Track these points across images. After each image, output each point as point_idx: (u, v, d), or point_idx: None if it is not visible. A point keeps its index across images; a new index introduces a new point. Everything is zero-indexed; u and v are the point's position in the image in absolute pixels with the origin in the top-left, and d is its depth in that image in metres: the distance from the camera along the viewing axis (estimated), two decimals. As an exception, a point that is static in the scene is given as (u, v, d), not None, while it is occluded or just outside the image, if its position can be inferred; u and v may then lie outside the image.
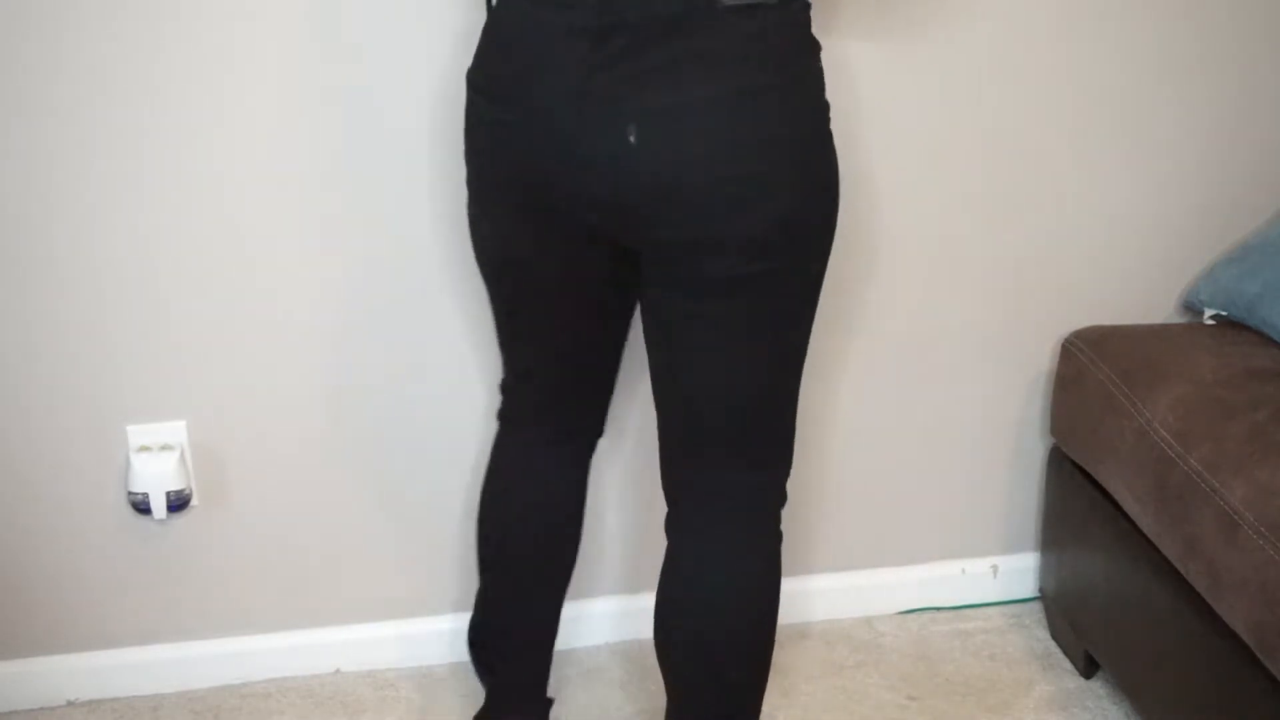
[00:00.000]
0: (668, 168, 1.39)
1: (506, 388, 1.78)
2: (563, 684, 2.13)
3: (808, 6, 1.44)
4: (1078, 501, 2.07)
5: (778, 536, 1.65)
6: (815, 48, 1.45)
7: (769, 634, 1.66)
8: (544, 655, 1.85)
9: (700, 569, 1.63)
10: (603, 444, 2.12)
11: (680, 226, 1.42)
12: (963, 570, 2.29)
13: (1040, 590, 2.27)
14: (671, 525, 1.67)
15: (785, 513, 1.66)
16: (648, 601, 2.20)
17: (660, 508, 2.16)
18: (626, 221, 1.45)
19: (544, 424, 1.76)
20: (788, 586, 2.20)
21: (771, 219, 1.42)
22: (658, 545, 2.19)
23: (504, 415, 1.80)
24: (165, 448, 1.99)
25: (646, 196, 1.41)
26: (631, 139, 1.37)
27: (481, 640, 1.87)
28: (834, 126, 1.45)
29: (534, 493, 1.77)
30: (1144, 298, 2.17)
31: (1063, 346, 2.09)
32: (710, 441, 1.58)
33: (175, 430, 1.99)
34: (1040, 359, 2.19)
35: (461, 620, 2.14)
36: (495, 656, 1.85)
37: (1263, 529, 1.63)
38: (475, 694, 2.09)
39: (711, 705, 1.66)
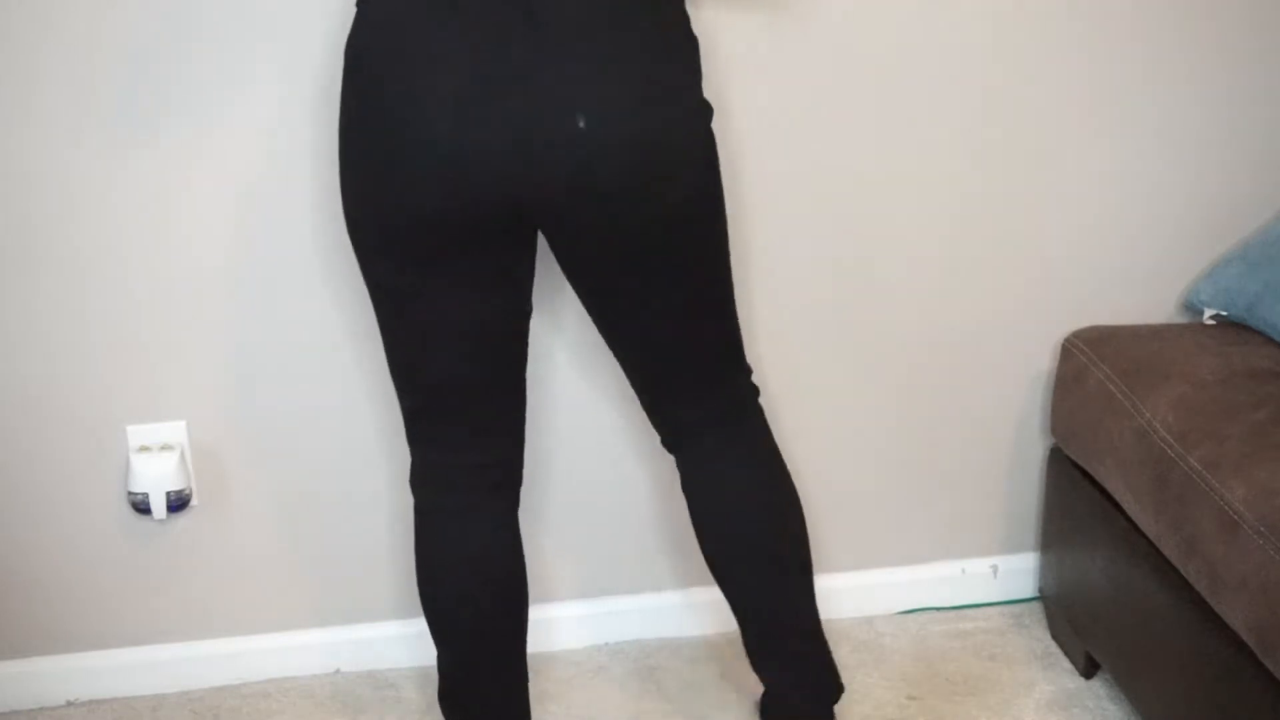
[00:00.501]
0: (613, 145, 1.47)
1: (418, 439, 1.69)
2: (563, 684, 2.13)
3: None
4: (1078, 501, 2.07)
5: (767, 429, 1.76)
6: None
7: (800, 518, 1.78)
8: (522, 707, 1.80)
9: (719, 483, 1.74)
10: (601, 445, 2.12)
11: (631, 198, 1.51)
12: (963, 570, 2.29)
13: (1040, 590, 2.27)
14: (672, 449, 1.77)
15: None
16: (648, 601, 2.21)
17: (659, 507, 2.16)
18: (575, 199, 1.50)
19: (462, 480, 1.69)
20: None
21: (700, 182, 1.57)
22: (657, 546, 2.19)
23: (422, 480, 1.70)
24: (165, 448, 1.99)
25: (599, 175, 1.49)
26: (581, 124, 1.45)
27: (454, 709, 1.79)
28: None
29: (477, 564, 1.70)
30: (1144, 298, 2.17)
31: (1063, 346, 2.09)
32: (686, 378, 1.69)
33: (175, 430, 1.99)
34: (1040, 359, 2.19)
35: (461, 620, 2.15)
36: None
37: (1263, 529, 1.63)
38: (475, 694, 2.09)
39: (779, 594, 1.79)
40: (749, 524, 1.75)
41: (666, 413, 1.73)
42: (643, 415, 2.10)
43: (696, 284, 1.62)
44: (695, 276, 1.61)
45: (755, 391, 1.75)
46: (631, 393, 2.06)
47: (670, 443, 1.76)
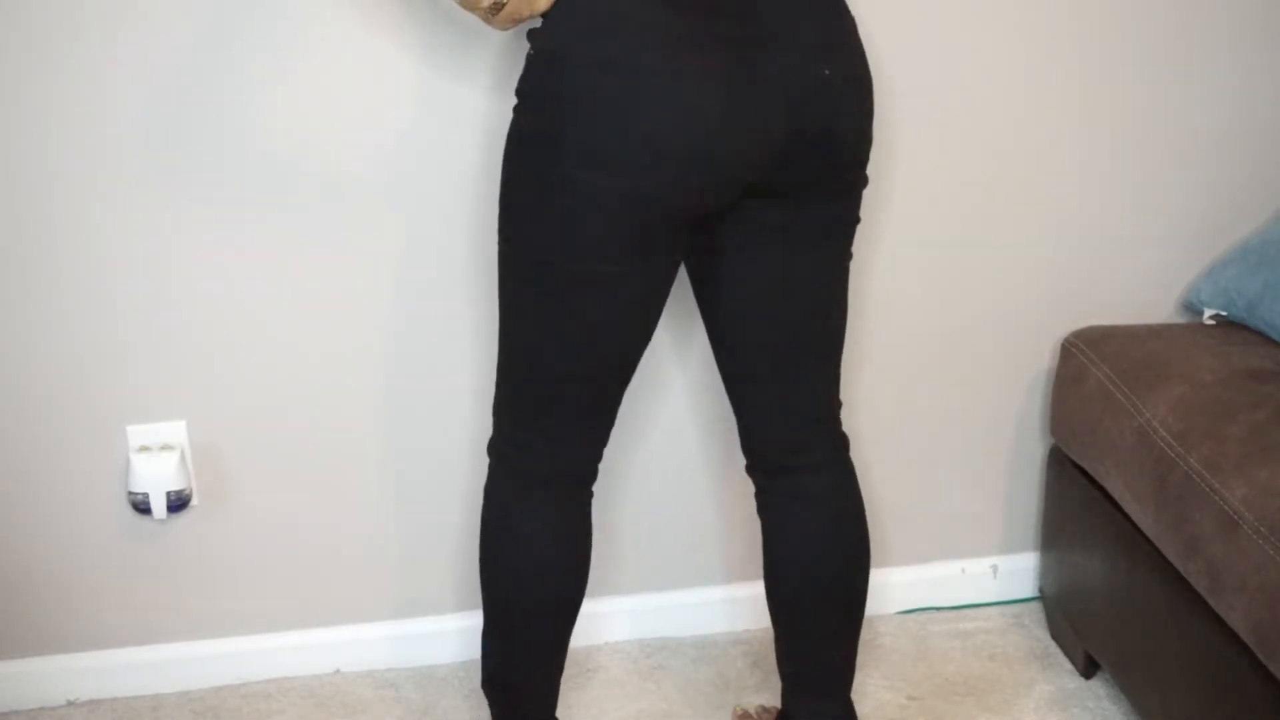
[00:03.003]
0: (852, 93, 1.57)
1: (521, 426, 1.69)
2: (563, 684, 2.13)
3: None
4: (1078, 501, 2.07)
5: (857, 479, 1.80)
6: None
7: (868, 577, 1.82)
8: (556, 692, 1.83)
9: (810, 522, 1.76)
10: (611, 447, 2.12)
11: (851, 144, 1.58)
12: (963, 570, 2.29)
13: (1040, 590, 2.27)
14: (761, 473, 1.78)
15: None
16: (647, 602, 2.21)
17: (663, 508, 2.16)
18: (821, 142, 1.55)
19: (555, 469, 1.70)
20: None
21: (868, 142, 1.63)
22: (658, 546, 2.19)
23: (513, 465, 1.71)
24: (165, 448, 1.99)
25: (840, 122, 1.56)
26: (827, 71, 1.52)
27: (501, 692, 1.80)
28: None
29: (554, 545, 1.71)
30: (1144, 298, 2.17)
31: (1063, 346, 2.09)
32: (822, 364, 1.72)
33: (175, 430, 1.99)
34: (1040, 359, 2.19)
35: (460, 620, 2.15)
36: (513, 706, 1.81)
37: (1263, 529, 1.63)
38: (476, 694, 2.09)
39: (849, 638, 1.83)
40: (831, 572, 1.77)
41: (773, 425, 1.74)
42: (646, 419, 2.10)
43: (848, 231, 1.67)
44: (851, 230, 1.67)
45: (847, 439, 1.78)
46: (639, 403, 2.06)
47: (764, 467, 1.77)
